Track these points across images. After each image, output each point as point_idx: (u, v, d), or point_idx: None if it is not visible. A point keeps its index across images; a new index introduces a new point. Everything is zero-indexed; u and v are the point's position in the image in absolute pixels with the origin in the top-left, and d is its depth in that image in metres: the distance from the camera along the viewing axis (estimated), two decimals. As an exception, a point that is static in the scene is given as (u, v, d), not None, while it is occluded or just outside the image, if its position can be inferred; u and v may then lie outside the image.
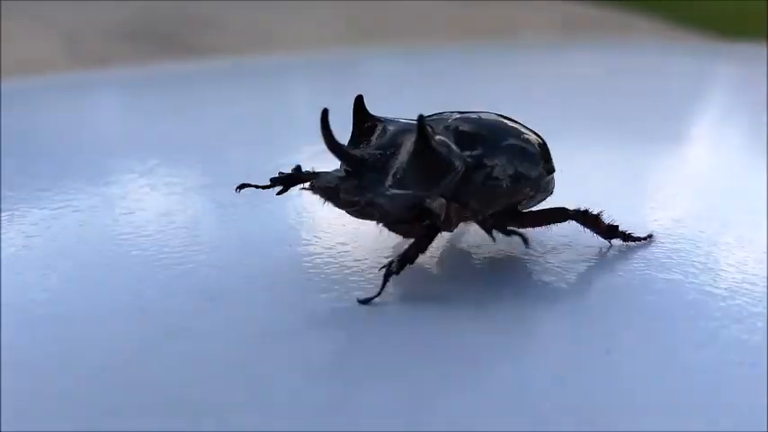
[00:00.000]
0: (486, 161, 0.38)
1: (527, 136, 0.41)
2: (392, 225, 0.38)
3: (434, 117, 0.40)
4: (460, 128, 0.39)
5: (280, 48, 3.17)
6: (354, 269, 0.39)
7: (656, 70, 1.00)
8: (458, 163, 0.37)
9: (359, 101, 0.39)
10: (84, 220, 0.46)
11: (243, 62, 1.15)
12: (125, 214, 0.47)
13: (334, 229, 0.42)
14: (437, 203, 0.36)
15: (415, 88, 0.80)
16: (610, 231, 0.41)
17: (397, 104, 0.71)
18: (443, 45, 2.33)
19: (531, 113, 0.69)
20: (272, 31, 3.64)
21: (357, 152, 0.37)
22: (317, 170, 0.39)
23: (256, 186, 0.40)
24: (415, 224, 0.37)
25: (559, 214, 0.40)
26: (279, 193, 0.40)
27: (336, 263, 0.39)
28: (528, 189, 0.40)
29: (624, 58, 1.08)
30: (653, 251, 0.41)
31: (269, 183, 0.40)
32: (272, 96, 0.78)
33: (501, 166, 0.38)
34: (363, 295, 0.36)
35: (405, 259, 0.36)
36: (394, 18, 4.33)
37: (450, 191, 0.37)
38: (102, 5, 3.60)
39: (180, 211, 0.48)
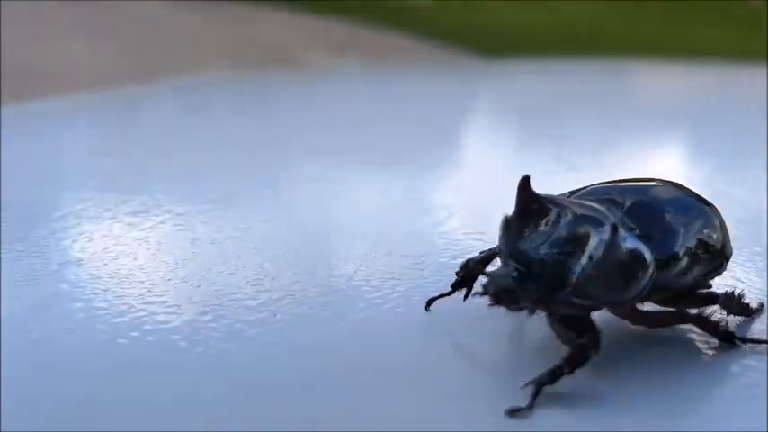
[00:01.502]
0: (675, 253, 0.34)
1: (711, 216, 0.36)
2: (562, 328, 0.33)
3: (598, 189, 0.36)
4: (642, 208, 0.34)
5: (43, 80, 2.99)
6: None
7: (434, 90, 1.03)
8: (650, 267, 0.32)
9: (525, 182, 0.32)
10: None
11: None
12: None
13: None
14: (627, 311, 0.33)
15: (197, 127, 0.76)
16: (747, 311, 0.37)
17: (174, 145, 0.69)
18: (222, 75, 2.28)
19: (319, 145, 0.70)
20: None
21: (533, 251, 0.32)
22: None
23: (442, 296, 0.36)
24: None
25: (710, 299, 0.36)
26: (465, 297, 0.36)
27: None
28: (710, 275, 0.36)
29: (407, 81, 1.11)
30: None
31: (451, 289, 0.36)
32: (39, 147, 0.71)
33: (690, 257, 0.34)
34: None
35: (575, 365, 0.32)
36: (161, 47, 4.21)
37: (641, 294, 0.33)
38: None
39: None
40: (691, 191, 0.37)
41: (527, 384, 0.31)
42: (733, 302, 0.36)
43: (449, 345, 0.36)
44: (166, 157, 0.65)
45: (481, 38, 5.56)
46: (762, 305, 0.38)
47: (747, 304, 0.36)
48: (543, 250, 0.32)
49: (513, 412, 0.30)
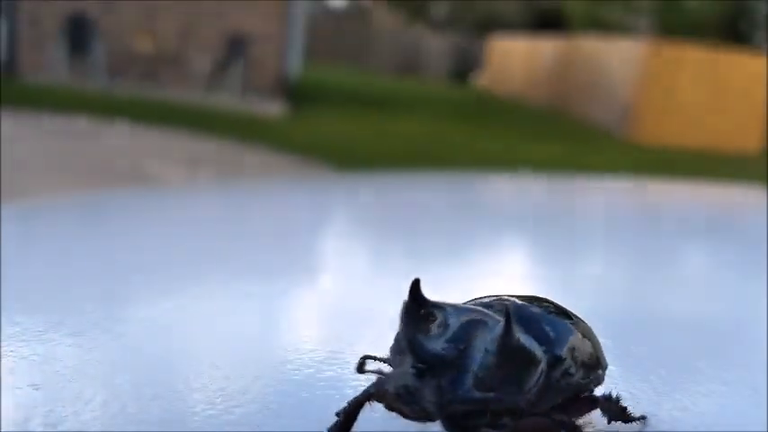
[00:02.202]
0: (559, 354, 0.35)
1: (584, 325, 0.38)
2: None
3: (478, 302, 0.37)
4: (523, 317, 0.35)
5: None
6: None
7: (293, 204, 1.05)
8: (542, 361, 0.34)
9: (415, 285, 0.33)
10: None
11: None
12: None
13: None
14: (526, 403, 0.33)
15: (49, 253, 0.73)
16: (625, 416, 0.38)
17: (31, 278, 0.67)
18: (72, 195, 2.21)
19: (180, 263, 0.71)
20: None
21: (432, 348, 0.32)
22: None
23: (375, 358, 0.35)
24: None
25: (589, 402, 0.37)
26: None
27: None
28: (592, 383, 0.37)
29: (265, 195, 1.13)
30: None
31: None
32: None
33: (573, 360, 0.35)
34: None
35: None
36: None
37: (535, 390, 0.33)
38: None
39: None
40: (562, 307, 0.39)
41: None
42: (612, 405, 0.37)
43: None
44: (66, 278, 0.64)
45: (334, 151, 5.69)
46: (645, 417, 0.39)
47: (625, 408, 0.38)
48: (441, 346, 0.32)
49: None
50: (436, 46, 18.88)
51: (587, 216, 1.04)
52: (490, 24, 18.00)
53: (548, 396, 0.34)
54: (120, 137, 5.45)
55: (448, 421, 0.32)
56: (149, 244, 0.77)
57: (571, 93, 11.65)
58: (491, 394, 0.32)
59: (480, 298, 0.38)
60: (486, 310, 0.34)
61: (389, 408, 0.33)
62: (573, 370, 0.35)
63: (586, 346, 0.37)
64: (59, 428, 0.37)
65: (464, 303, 0.37)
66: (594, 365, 0.37)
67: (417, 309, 0.33)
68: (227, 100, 8.45)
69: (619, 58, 9.99)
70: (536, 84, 13.25)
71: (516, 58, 14.46)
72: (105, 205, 1.01)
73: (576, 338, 0.36)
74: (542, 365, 0.33)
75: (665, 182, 1.76)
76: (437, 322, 0.33)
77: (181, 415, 0.38)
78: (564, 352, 0.35)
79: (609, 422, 0.37)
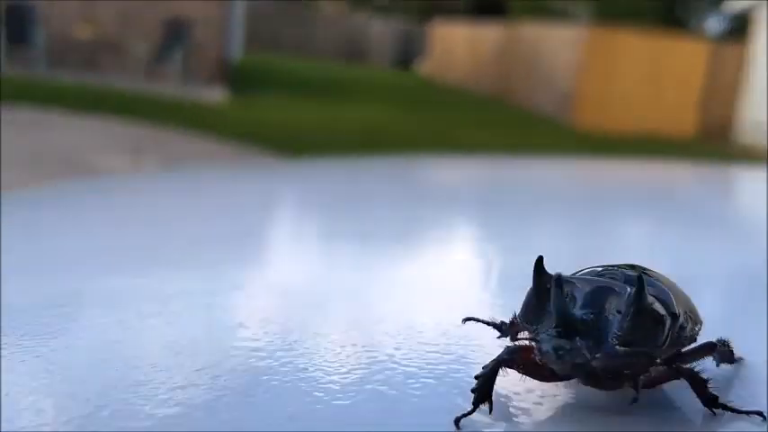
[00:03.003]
0: (675, 311, 0.39)
1: (681, 291, 0.42)
2: (602, 381, 0.37)
3: (590, 272, 0.41)
4: (635, 280, 0.38)
5: None
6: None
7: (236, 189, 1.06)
8: (668, 317, 0.38)
9: (539, 262, 0.38)
10: None
11: None
12: None
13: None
14: (665, 355, 0.37)
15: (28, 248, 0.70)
16: (731, 359, 0.43)
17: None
18: (17, 189, 2.14)
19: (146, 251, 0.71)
20: None
21: (575, 312, 0.37)
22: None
23: (480, 321, 0.43)
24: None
25: (709, 348, 0.42)
26: (500, 336, 0.41)
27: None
28: (696, 334, 0.41)
29: (208, 183, 1.13)
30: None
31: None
32: None
33: (684, 316, 0.40)
34: None
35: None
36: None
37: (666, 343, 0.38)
38: None
39: None
40: (657, 272, 0.43)
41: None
42: (725, 349, 0.43)
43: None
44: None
45: (276, 138, 5.67)
46: (741, 358, 0.44)
47: (732, 351, 0.44)
48: (579, 312, 0.37)
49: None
50: (380, 32, 18.85)
51: (532, 194, 1.07)
52: (433, 10, 18.04)
53: (670, 348, 0.39)
54: (60, 126, 5.37)
55: (592, 375, 0.37)
56: (93, 237, 0.76)
57: (512, 79, 11.76)
58: (633, 348, 0.36)
59: (588, 268, 0.42)
60: (606, 279, 0.39)
61: (524, 372, 0.38)
62: (686, 324, 0.40)
63: (688, 304, 0.42)
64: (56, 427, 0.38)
65: (582, 275, 0.41)
66: (696, 320, 0.42)
67: (542, 282, 0.38)
68: (169, 86, 8.36)
69: (559, 45, 10.11)
70: (478, 70, 13.32)
71: (458, 45, 14.52)
72: (47, 199, 0.99)
73: (678, 298, 0.41)
74: (669, 322, 0.38)
75: (604, 162, 1.81)
76: (566, 293, 0.37)
77: (127, 410, 0.39)
78: (677, 310, 0.39)
79: (717, 365, 0.42)
